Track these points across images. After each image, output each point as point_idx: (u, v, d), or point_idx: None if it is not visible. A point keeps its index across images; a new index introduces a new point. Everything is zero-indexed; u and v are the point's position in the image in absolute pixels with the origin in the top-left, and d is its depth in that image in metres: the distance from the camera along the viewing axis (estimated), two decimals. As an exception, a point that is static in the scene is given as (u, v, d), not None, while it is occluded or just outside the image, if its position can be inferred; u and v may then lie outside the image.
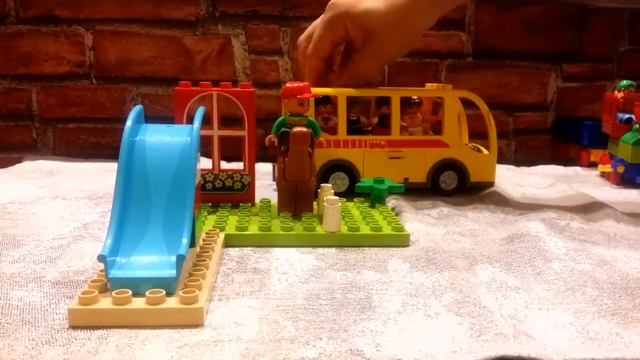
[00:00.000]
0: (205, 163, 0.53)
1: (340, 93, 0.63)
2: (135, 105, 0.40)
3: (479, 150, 0.68)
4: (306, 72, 0.67)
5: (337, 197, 0.48)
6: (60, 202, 0.60)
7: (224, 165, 0.57)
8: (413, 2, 0.61)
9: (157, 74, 0.93)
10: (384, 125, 0.67)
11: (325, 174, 0.63)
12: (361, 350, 0.30)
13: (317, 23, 0.67)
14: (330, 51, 0.66)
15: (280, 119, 0.52)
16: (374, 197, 0.57)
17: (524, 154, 1.02)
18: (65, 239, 0.48)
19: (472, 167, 0.66)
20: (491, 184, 0.68)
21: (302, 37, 0.69)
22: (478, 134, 0.71)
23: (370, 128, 0.69)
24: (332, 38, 0.64)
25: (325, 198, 0.49)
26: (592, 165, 0.87)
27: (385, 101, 0.67)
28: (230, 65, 0.94)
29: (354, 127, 0.66)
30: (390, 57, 0.66)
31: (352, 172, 0.64)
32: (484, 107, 0.66)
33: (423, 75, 0.95)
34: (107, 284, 0.34)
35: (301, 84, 0.52)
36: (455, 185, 0.66)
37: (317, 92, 0.57)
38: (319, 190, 0.53)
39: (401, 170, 0.64)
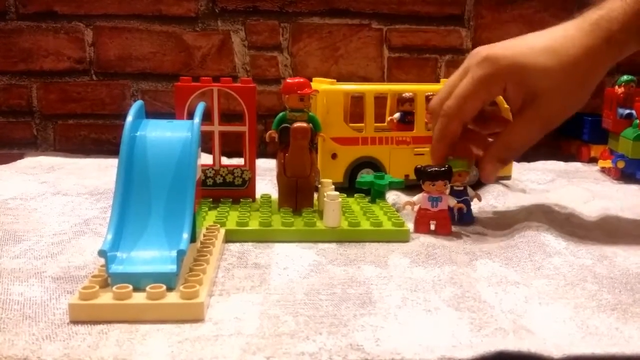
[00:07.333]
0: (205, 159, 0.53)
1: (368, 90, 0.64)
2: (135, 101, 0.40)
3: None
4: (438, 134, 0.51)
5: (337, 193, 0.48)
6: (61, 198, 0.60)
7: (225, 161, 0.57)
8: (590, 56, 0.47)
9: (157, 70, 0.93)
10: (406, 122, 0.69)
11: (353, 171, 0.63)
12: (361, 345, 0.30)
13: (455, 80, 0.51)
14: (476, 114, 0.51)
15: (281, 114, 0.52)
16: (375, 193, 0.57)
17: (524, 150, 1.02)
18: (66, 234, 0.48)
19: None
20: (508, 177, 0.70)
21: (439, 99, 0.52)
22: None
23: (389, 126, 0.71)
24: (485, 99, 0.50)
25: (325, 193, 0.49)
26: (593, 160, 0.86)
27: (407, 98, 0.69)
28: (230, 61, 0.93)
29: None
30: (558, 123, 0.50)
31: (378, 169, 0.64)
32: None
33: (422, 71, 0.95)
34: (108, 279, 0.34)
35: (301, 79, 0.52)
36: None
37: (317, 88, 0.57)
38: (319, 185, 0.53)
39: None
